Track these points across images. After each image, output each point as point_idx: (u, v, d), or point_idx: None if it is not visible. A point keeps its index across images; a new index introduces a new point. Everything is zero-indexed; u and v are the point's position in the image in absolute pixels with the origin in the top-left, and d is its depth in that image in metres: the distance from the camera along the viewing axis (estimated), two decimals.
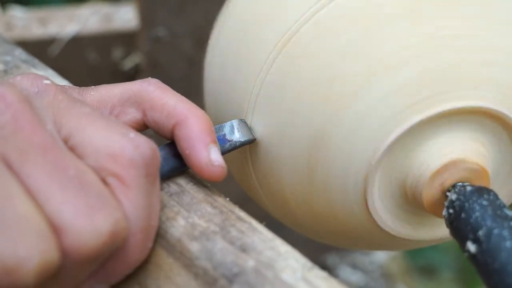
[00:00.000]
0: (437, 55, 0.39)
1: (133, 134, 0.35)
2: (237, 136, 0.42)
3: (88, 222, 0.31)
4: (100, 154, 0.34)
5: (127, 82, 0.39)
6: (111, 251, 0.33)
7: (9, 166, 0.32)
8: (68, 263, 0.31)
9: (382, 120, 0.39)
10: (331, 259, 1.04)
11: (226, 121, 0.43)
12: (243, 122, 0.43)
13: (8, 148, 0.32)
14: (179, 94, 0.39)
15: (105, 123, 0.35)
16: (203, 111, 0.39)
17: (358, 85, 0.39)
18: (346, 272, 1.04)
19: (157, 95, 0.38)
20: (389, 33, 0.39)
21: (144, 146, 0.34)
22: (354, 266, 1.06)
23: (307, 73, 0.40)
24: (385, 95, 0.39)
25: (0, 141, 0.32)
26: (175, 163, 0.39)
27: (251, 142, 0.43)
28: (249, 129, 0.43)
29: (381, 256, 1.07)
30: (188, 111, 0.38)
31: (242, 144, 0.43)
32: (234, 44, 0.44)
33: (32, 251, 0.30)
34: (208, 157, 0.37)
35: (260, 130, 0.43)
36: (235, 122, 0.43)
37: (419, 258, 1.44)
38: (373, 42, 0.39)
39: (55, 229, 0.31)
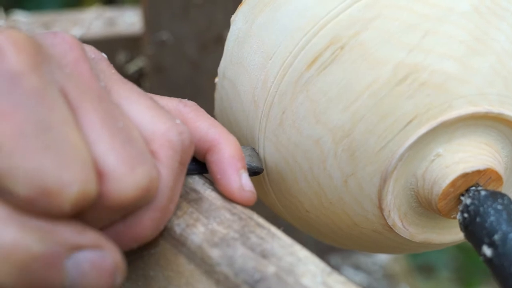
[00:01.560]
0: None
1: (179, 121, 0.37)
2: (247, 160, 0.43)
3: (129, 172, 0.32)
4: (145, 128, 0.35)
5: (166, 97, 0.40)
6: (136, 207, 0.34)
7: (68, 101, 0.33)
8: (99, 205, 0.32)
9: (398, 126, 0.39)
10: (334, 260, 1.04)
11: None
12: (255, 151, 0.44)
13: (69, 85, 0.33)
14: (212, 118, 0.40)
15: (155, 105, 0.37)
16: (234, 137, 0.40)
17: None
18: (349, 272, 1.04)
19: (191, 117, 0.40)
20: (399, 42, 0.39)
21: (187, 134, 0.36)
22: (357, 267, 1.06)
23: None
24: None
25: (62, 76, 0.33)
26: (191, 166, 0.39)
27: (260, 172, 0.44)
28: (260, 159, 0.44)
29: (383, 257, 1.08)
30: (220, 137, 0.39)
31: (251, 169, 0.43)
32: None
33: (75, 178, 0.30)
34: (240, 182, 0.38)
35: (272, 150, 0.43)
36: (249, 149, 0.44)
37: (417, 258, 1.44)
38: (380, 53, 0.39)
39: (97, 171, 0.32)
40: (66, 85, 0.33)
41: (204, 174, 0.40)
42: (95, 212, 0.32)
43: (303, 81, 0.40)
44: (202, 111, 0.40)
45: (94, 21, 0.87)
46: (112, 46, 0.86)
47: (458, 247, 1.51)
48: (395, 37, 0.39)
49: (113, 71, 0.37)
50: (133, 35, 0.86)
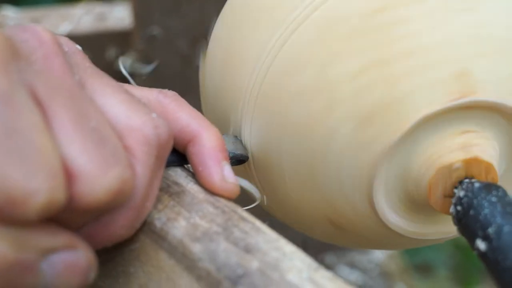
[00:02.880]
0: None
1: (155, 115, 0.35)
2: (231, 148, 0.42)
3: (102, 174, 0.31)
4: (119, 123, 0.34)
5: (145, 88, 0.39)
6: (110, 208, 0.33)
7: (37, 100, 0.31)
8: (70, 208, 0.31)
9: (391, 114, 0.38)
10: (329, 258, 1.04)
11: (225, 123, 0.43)
12: (238, 139, 0.43)
13: (38, 83, 0.32)
14: (194, 109, 0.39)
15: (130, 98, 0.35)
16: (216, 128, 0.39)
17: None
18: (344, 271, 1.03)
19: (172, 108, 0.38)
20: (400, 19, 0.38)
21: (163, 128, 0.35)
22: (352, 265, 1.05)
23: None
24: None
25: (31, 74, 0.32)
26: (172, 157, 0.38)
27: (245, 160, 0.43)
28: (244, 147, 0.43)
29: (379, 255, 1.07)
30: (201, 128, 0.38)
31: (235, 157, 0.42)
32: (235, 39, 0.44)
33: (42, 185, 0.29)
34: (222, 174, 0.37)
35: (260, 133, 0.42)
36: (231, 136, 0.43)
37: (415, 256, 1.44)
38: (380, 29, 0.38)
39: (68, 173, 0.31)
40: (35, 84, 0.32)
41: (186, 166, 0.39)
42: (66, 215, 0.32)
43: None
44: (183, 102, 0.39)
45: (83, 16, 0.87)
46: (102, 42, 0.85)
47: (456, 245, 1.50)
48: None
49: (88, 64, 0.36)
50: (123, 30, 0.85)
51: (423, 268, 1.49)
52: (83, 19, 0.86)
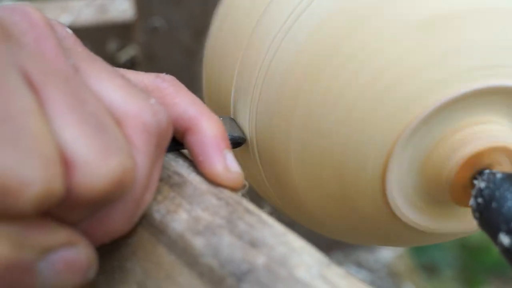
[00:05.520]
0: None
1: (153, 101, 0.33)
2: (227, 130, 0.40)
3: (102, 162, 0.29)
4: (116, 110, 0.32)
5: (142, 73, 0.37)
6: (109, 201, 0.30)
7: (30, 83, 0.29)
8: (66, 201, 0.29)
9: (407, 98, 0.36)
10: (335, 257, 1.02)
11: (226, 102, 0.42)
12: (234, 121, 0.42)
13: (31, 66, 0.30)
14: (193, 95, 0.37)
15: (127, 83, 0.33)
16: (216, 116, 0.37)
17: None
18: (351, 270, 1.02)
19: (169, 93, 0.36)
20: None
21: (163, 115, 0.33)
22: (359, 265, 1.04)
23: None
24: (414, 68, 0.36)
25: (23, 57, 0.30)
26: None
27: (242, 142, 0.42)
28: (240, 129, 0.42)
29: (386, 254, 1.06)
30: (200, 115, 0.36)
31: (233, 140, 0.41)
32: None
33: (38, 174, 0.27)
34: (224, 163, 0.35)
35: (267, 117, 0.40)
36: (227, 118, 0.42)
37: (421, 256, 1.43)
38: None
39: (65, 161, 0.28)
40: (27, 67, 0.29)
41: (183, 153, 0.37)
42: (61, 209, 0.29)
43: None
44: (181, 87, 0.37)
45: (84, 8, 0.85)
46: (103, 34, 0.84)
47: (463, 246, 1.49)
48: None
49: (80, 48, 0.34)
50: (124, 22, 0.84)
51: (429, 269, 1.48)
52: (83, 11, 0.85)
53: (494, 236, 0.33)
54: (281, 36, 0.39)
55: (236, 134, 0.41)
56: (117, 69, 0.35)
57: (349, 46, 0.37)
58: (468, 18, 0.36)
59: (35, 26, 0.31)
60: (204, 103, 0.44)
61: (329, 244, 0.98)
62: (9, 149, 0.27)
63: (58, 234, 0.29)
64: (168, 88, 0.36)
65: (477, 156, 0.36)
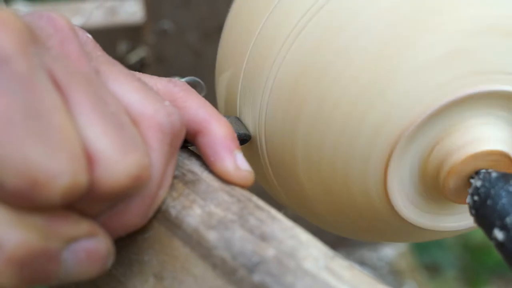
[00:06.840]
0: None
1: (168, 103, 0.35)
2: (234, 128, 0.42)
3: (123, 158, 0.31)
4: (132, 111, 0.34)
5: (155, 77, 0.39)
6: (127, 195, 0.33)
7: (56, 83, 0.31)
8: (89, 194, 0.31)
9: (406, 100, 0.37)
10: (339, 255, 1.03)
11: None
12: (239, 120, 0.44)
13: (56, 67, 0.31)
14: (203, 99, 0.39)
15: (143, 86, 0.35)
16: (225, 118, 0.39)
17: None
18: None
19: (181, 97, 0.38)
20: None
21: (176, 116, 0.35)
22: (362, 262, 1.05)
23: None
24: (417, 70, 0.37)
25: (49, 59, 0.32)
26: None
27: (247, 139, 0.43)
28: (245, 127, 0.43)
29: (389, 252, 1.07)
30: (210, 117, 0.38)
31: (238, 137, 0.42)
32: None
33: (65, 168, 0.29)
34: (235, 162, 0.37)
35: (276, 117, 0.42)
36: (232, 117, 0.43)
37: (423, 256, 1.43)
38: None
39: (89, 157, 0.30)
40: (54, 68, 0.31)
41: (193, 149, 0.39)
42: (83, 202, 0.31)
43: None
44: (192, 91, 0.39)
45: (94, 10, 0.86)
46: (113, 36, 0.85)
47: (465, 246, 1.50)
48: None
49: (100, 52, 0.36)
50: (134, 25, 0.85)
51: (431, 268, 1.48)
52: (94, 13, 0.86)
53: (489, 232, 0.35)
54: (294, 35, 0.40)
55: (242, 131, 0.43)
56: (134, 72, 0.37)
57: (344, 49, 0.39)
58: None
59: (60, 31, 0.33)
60: (217, 103, 0.46)
61: (333, 242, 0.99)
62: (38, 144, 0.28)
63: (81, 226, 0.31)
64: (179, 92, 0.38)
65: (473, 158, 0.37)
